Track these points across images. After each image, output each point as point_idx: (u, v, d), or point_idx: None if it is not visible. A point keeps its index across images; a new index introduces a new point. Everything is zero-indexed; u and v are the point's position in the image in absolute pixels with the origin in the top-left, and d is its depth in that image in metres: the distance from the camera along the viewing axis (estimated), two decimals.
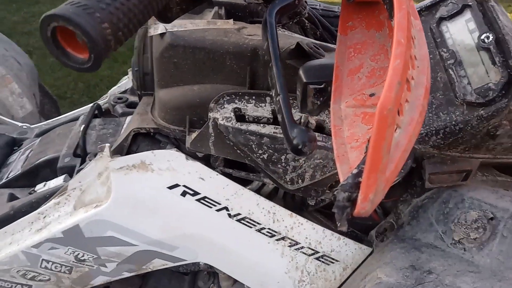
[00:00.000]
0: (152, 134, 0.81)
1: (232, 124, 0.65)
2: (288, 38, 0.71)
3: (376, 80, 0.47)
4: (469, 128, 0.60)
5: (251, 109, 0.67)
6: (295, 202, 0.87)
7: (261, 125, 0.65)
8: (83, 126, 0.95)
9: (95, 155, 0.82)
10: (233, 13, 0.83)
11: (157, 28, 0.72)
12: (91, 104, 1.07)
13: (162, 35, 0.70)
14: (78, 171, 0.87)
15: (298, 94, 0.56)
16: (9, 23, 2.98)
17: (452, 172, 0.69)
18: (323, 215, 0.89)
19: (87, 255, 0.85)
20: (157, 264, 0.87)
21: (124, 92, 1.09)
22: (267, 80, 0.71)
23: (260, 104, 0.68)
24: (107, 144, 0.77)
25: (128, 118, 1.01)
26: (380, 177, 0.29)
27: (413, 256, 0.65)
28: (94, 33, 0.29)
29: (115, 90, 1.11)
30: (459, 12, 0.62)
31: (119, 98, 1.05)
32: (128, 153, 0.79)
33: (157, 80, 0.75)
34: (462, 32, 0.62)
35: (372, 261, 0.73)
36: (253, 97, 0.68)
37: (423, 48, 0.37)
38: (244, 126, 0.65)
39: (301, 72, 0.54)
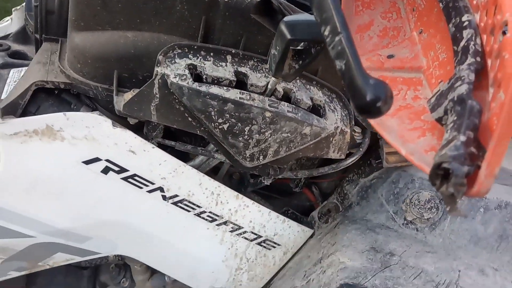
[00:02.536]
0: (57, 92, 0.62)
1: (188, 83, 0.52)
2: None
3: (390, 40, 0.41)
4: None
5: (209, 67, 0.54)
6: (232, 182, 0.77)
7: (224, 88, 0.53)
8: None
9: None
10: None
11: None
12: None
13: None
14: None
15: (275, 54, 0.46)
16: None
17: None
18: (260, 196, 0.82)
19: None
20: (59, 259, 0.68)
21: (4, 38, 0.83)
22: (224, 35, 0.59)
23: (220, 63, 0.56)
24: None
25: (13, 71, 0.76)
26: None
27: (371, 238, 0.63)
28: None
29: None
30: None
31: None
32: (23, 114, 0.59)
33: (74, 19, 0.56)
34: None
35: (321, 243, 0.69)
36: (211, 54, 0.56)
37: None
38: (203, 88, 0.52)
39: (283, 27, 0.44)
